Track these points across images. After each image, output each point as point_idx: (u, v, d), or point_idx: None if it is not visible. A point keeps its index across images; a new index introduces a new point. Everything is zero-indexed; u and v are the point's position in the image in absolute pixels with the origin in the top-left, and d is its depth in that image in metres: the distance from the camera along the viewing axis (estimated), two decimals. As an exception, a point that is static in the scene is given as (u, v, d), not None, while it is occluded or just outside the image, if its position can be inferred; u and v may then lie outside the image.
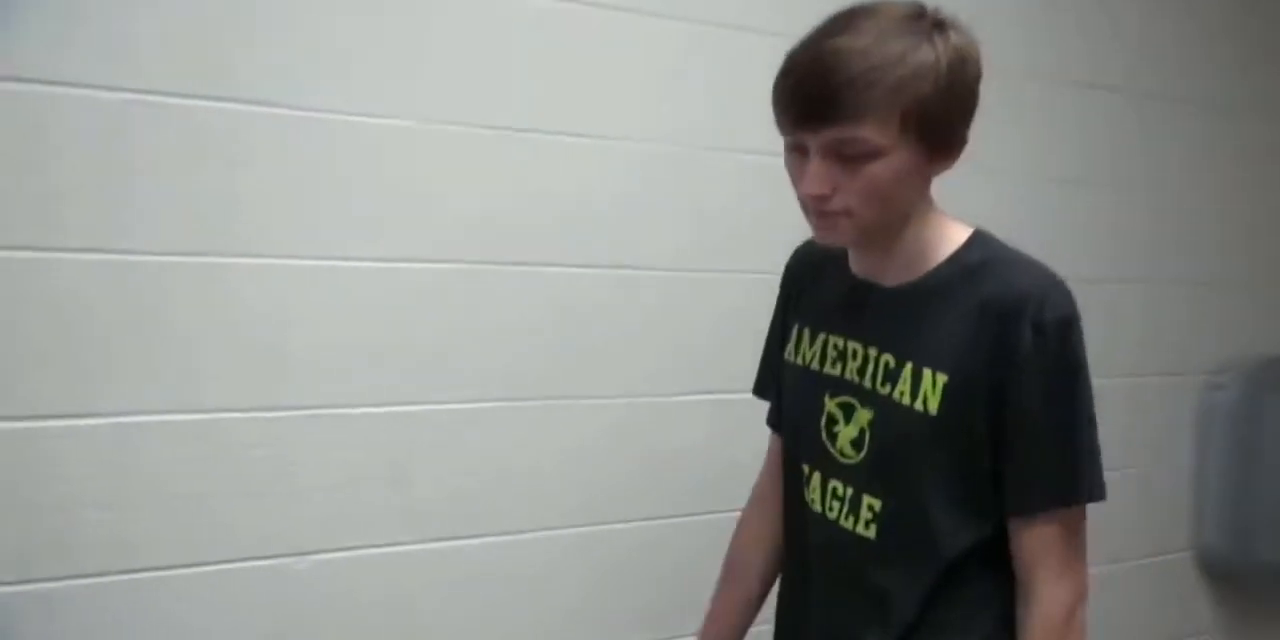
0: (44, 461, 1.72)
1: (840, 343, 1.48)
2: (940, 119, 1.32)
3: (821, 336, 1.52)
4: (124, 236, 1.74)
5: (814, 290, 1.57)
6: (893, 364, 1.41)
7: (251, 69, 1.80)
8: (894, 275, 1.44)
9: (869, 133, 1.30)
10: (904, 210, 1.38)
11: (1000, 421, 1.36)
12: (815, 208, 1.36)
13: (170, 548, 1.80)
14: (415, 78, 1.93)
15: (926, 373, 1.37)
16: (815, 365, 1.51)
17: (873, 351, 1.44)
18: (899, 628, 1.41)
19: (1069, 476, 1.37)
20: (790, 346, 1.57)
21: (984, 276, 1.37)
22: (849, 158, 1.32)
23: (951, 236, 1.42)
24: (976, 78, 1.35)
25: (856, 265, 1.48)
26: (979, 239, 1.42)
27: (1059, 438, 1.36)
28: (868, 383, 1.43)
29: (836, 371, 1.48)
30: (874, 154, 1.31)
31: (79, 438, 1.73)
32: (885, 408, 1.41)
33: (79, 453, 1.74)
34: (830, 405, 1.48)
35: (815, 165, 1.33)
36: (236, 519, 1.86)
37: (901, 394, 1.39)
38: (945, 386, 1.36)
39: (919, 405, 1.37)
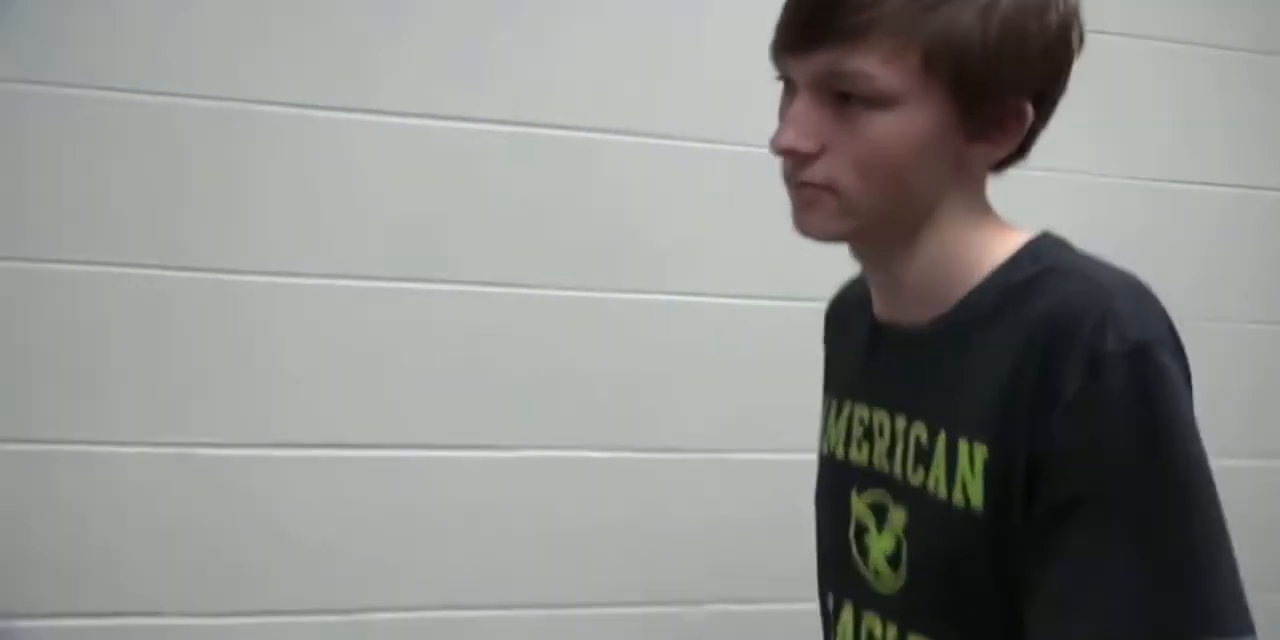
0: (382, 490, 1.82)
1: (865, 414, 1.06)
2: (984, 71, 0.93)
3: (847, 408, 1.10)
4: (486, 269, 1.89)
5: (842, 346, 1.17)
6: (924, 437, 0.97)
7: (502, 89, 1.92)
8: (918, 308, 1.01)
9: (874, 65, 0.92)
10: (920, 201, 0.97)
11: (1030, 520, 0.89)
12: (793, 173, 0.97)
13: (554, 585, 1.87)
14: (745, 103, 1.86)
15: (963, 446, 0.92)
16: (840, 450, 1.09)
17: (900, 422, 1.01)
18: None
19: (1137, 615, 0.84)
20: (821, 429, 1.16)
21: (1032, 294, 0.94)
22: (847, 103, 0.94)
23: (996, 248, 0.99)
24: (1061, 27, 0.96)
25: (877, 302, 1.06)
26: (1036, 247, 0.98)
27: (1125, 552, 0.85)
28: (898, 469, 0.99)
29: (864, 457, 1.05)
30: (880, 100, 0.93)
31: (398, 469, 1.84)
32: (919, 504, 0.97)
33: (384, 483, 1.83)
34: (859, 506, 1.04)
35: (800, 107, 0.96)
36: (616, 563, 1.87)
37: (936, 481, 0.94)
38: (987, 464, 0.90)
39: (958, 497, 0.92)
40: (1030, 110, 0.96)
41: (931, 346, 0.99)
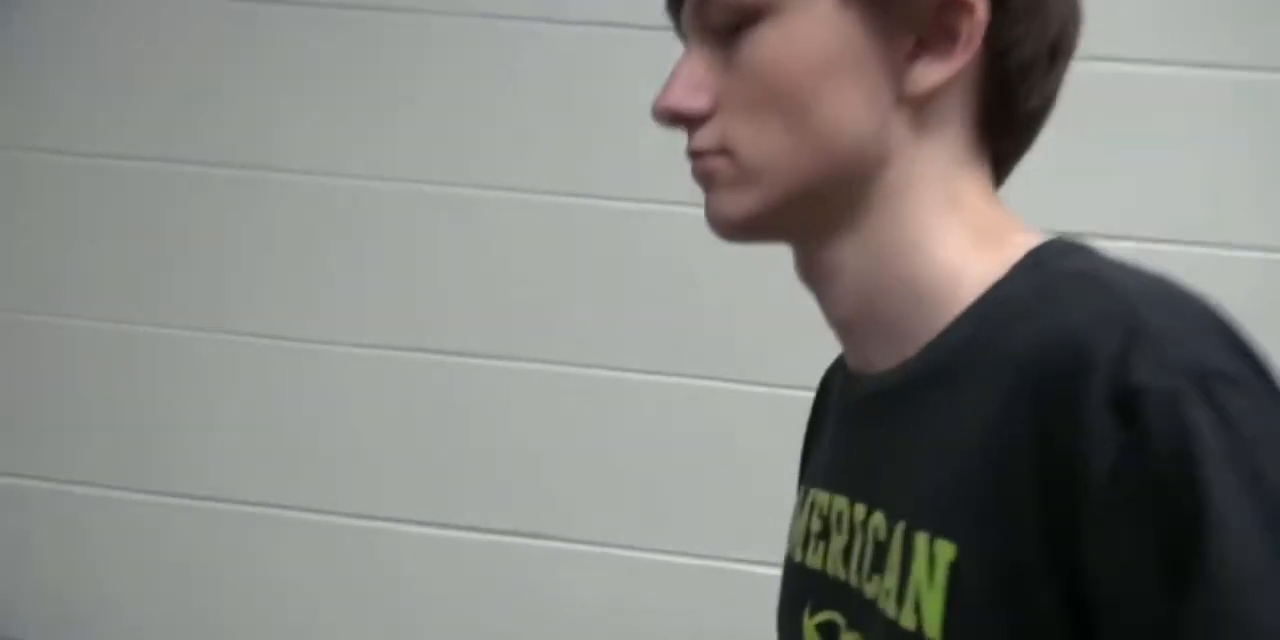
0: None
1: (825, 502, 0.80)
2: None
3: (810, 496, 0.83)
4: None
5: (824, 418, 0.90)
6: (881, 531, 0.71)
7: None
8: (884, 347, 0.74)
9: None
10: (848, 154, 0.71)
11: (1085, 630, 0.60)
12: (689, 144, 0.74)
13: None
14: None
15: (920, 542, 0.67)
16: (799, 552, 0.83)
17: (859, 511, 0.74)
18: None
19: None
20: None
21: (1020, 315, 0.66)
22: (734, 40, 0.72)
23: (988, 255, 0.71)
24: None
25: (842, 344, 0.80)
26: (1043, 255, 0.70)
27: None
28: (854, 576, 0.74)
29: (818, 560, 0.79)
30: (754, 11, 0.71)
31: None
32: (872, 627, 0.71)
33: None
34: (809, 630, 0.79)
35: (684, 60, 0.74)
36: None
37: (887, 594, 0.69)
38: (953, 569, 0.64)
39: (907, 617, 0.67)
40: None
41: (896, 403, 0.73)
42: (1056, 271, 0.67)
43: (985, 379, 0.65)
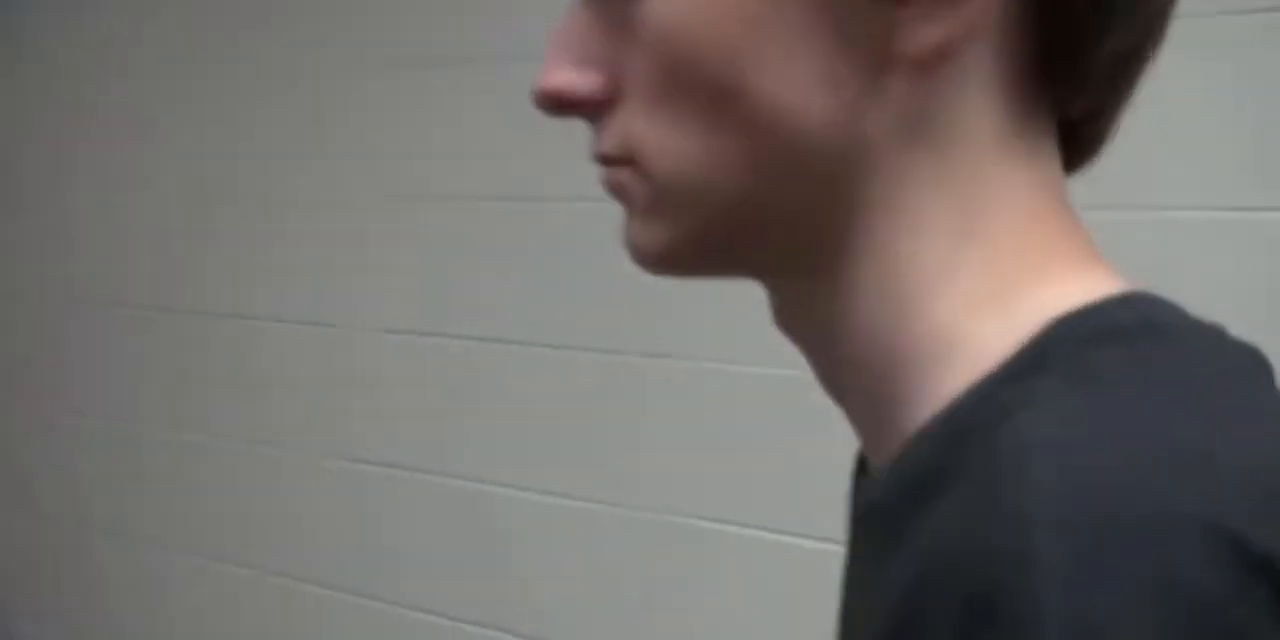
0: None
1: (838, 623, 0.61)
2: None
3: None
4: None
5: None
6: None
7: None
8: (873, 440, 0.51)
9: None
10: (798, 161, 0.46)
11: None
12: (593, 145, 0.50)
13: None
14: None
15: None
16: None
17: None
18: None
19: None
20: None
21: (951, 479, 0.40)
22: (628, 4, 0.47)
23: (996, 322, 0.45)
24: None
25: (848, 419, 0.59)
26: (1062, 337, 0.43)
27: None
28: None
29: None
30: None
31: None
32: None
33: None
34: None
35: (564, 19, 0.50)
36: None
37: None
38: None
39: None
40: None
41: (868, 528, 0.48)
42: (1024, 398, 0.40)
43: (904, 559, 0.41)
